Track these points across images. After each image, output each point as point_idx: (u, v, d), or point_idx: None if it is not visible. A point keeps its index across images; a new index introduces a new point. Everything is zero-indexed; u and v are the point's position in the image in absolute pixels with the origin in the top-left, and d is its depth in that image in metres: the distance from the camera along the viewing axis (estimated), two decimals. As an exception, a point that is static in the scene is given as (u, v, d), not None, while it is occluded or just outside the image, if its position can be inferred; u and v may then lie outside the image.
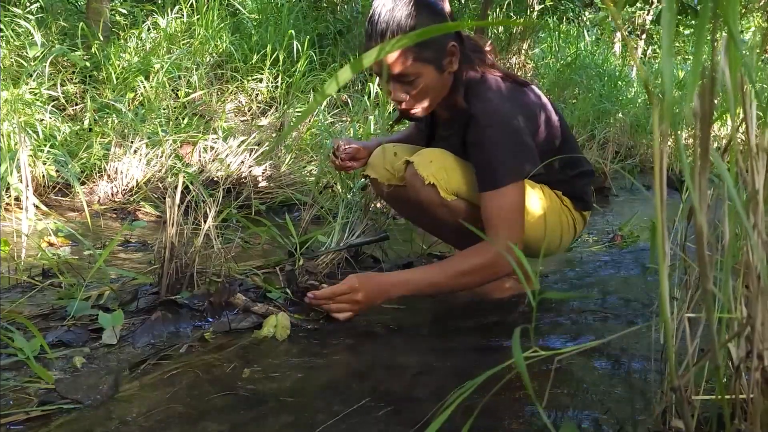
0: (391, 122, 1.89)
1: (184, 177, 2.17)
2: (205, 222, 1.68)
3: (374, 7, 1.49)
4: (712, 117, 0.50)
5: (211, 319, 1.52)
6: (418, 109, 1.59)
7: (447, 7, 1.55)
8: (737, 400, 0.67)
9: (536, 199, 1.66)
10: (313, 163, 3.43)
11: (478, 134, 1.52)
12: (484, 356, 1.34)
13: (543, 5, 6.83)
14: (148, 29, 4.19)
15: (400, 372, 1.26)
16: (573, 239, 1.82)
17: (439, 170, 1.59)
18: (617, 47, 8.79)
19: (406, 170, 1.65)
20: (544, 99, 1.70)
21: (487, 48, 1.68)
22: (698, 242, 0.48)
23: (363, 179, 2.02)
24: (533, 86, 1.71)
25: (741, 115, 0.60)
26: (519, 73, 6.04)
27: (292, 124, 3.32)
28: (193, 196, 1.88)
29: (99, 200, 2.87)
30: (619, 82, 6.03)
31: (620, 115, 5.20)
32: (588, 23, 9.00)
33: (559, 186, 1.73)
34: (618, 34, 8.91)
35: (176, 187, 1.63)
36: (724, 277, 0.58)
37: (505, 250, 1.45)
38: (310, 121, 3.80)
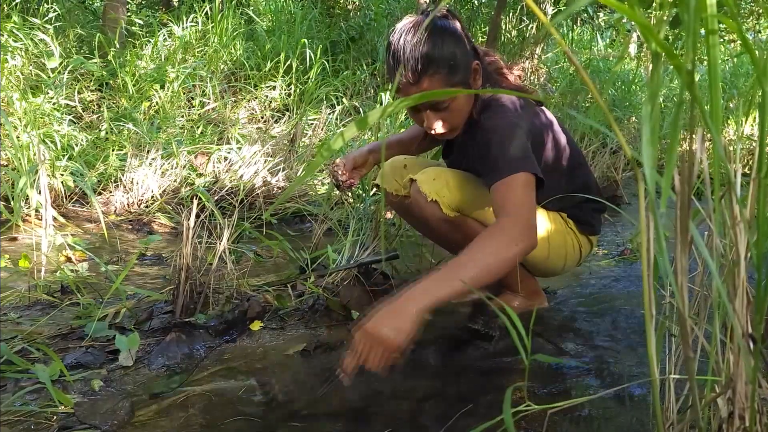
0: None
1: (198, 196, 2.22)
2: (219, 241, 1.73)
3: (395, 41, 1.48)
4: (690, 195, 0.52)
5: (225, 338, 1.56)
6: (452, 132, 1.62)
7: (458, 25, 1.57)
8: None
9: (541, 220, 1.68)
10: (325, 172, 3.46)
11: (485, 137, 1.54)
12: (490, 379, 1.37)
13: (557, 8, 6.82)
14: (164, 39, 4.24)
15: (408, 396, 1.29)
16: (579, 262, 1.84)
17: (442, 187, 1.63)
18: (632, 48, 8.73)
19: (411, 188, 1.70)
20: (554, 120, 1.72)
21: (503, 65, 1.71)
22: (681, 319, 0.51)
23: (374, 188, 2.06)
24: (544, 108, 1.73)
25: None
26: (532, 78, 6.04)
27: (295, 180, 3.35)
28: (207, 216, 1.92)
29: (115, 210, 2.93)
30: (633, 86, 6.00)
31: (634, 119, 5.19)
32: (602, 24, 8.95)
33: (565, 208, 1.75)
34: (634, 35, 8.86)
35: (191, 208, 1.68)
36: (713, 340, 0.61)
37: (513, 240, 1.33)
38: (322, 131, 3.84)
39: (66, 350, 1.44)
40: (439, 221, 1.67)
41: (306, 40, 4.42)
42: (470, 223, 1.66)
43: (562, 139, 1.71)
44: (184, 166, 3.16)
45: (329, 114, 4.06)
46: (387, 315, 1.19)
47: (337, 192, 1.93)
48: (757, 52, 0.58)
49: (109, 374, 1.35)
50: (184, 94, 3.91)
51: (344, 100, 4.36)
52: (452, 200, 1.63)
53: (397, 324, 1.17)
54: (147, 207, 2.97)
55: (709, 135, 0.57)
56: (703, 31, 0.54)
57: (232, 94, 4.33)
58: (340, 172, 1.82)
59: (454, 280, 1.24)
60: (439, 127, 1.57)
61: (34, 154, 2.57)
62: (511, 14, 6.04)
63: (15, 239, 2.40)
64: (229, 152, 3.28)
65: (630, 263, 2.51)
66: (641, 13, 0.53)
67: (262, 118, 4.24)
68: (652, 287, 0.58)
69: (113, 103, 3.73)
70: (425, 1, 5.65)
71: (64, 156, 2.89)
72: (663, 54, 0.51)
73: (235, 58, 4.46)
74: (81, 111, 3.52)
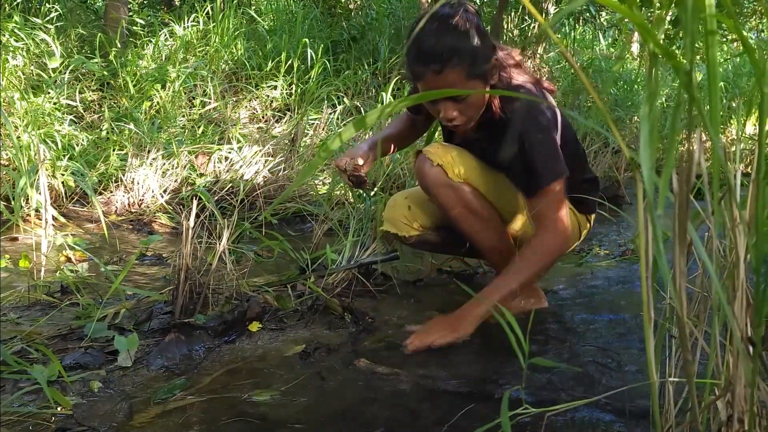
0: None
1: (199, 196, 2.22)
2: (219, 241, 1.72)
3: (419, 30, 1.46)
4: (689, 199, 0.52)
5: (225, 338, 1.56)
6: (467, 124, 1.63)
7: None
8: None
9: None
10: (325, 172, 3.46)
11: (517, 138, 1.55)
12: (489, 382, 1.36)
13: (558, 8, 6.80)
14: (166, 38, 4.24)
15: (407, 398, 1.28)
16: (578, 241, 1.92)
17: (446, 155, 1.67)
18: (635, 47, 8.71)
19: (416, 160, 1.72)
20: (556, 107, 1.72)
21: (517, 57, 1.71)
22: (680, 322, 0.50)
23: (381, 232, 2.01)
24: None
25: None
26: (533, 77, 6.02)
27: (295, 180, 3.35)
28: (207, 216, 1.92)
29: (116, 210, 2.93)
30: (636, 86, 5.99)
31: (636, 118, 5.18)
32: (604, 24, 8.93)
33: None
34: (635, 35, 8.84)
35: (191, 208, 1.67)
36: (712, 343, 0.60)
37: (556, 240, 1.58)
38: (323, 131, 3.83)
39: (65, 351, 1.44)
40: (441, 186, 1.67)
41: (307, 40, 4.42)
42: (472, 192, 1.68)
43: (564, 123, 1.72)
44: (185, 166, 3.16)
45: (330, 114, 4.06)
46: (456, 315, 1.56)
47: (359, 190, 1.93)
48: (756, 53, 0.58)
49: (108, 375, 1.34)
50: (185, 93, 3.91)
51: (345, 99, 4.35)
52: (454, 168, 1.66)
53: (462, 321, 1.54)
54: (147, 207, 2.97)
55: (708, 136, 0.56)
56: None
57: (233, 93, 4.33)
58: (361, 170, 1.78)
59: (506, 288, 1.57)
60: (456, 119, 1.58)
61: (35, 154, 2.57)
62: (513, 13, 6.03)
63: (15, 239, 2.40)
64: (230, 152, 3.28)
65: (631, 264, 2.50)
66: (640, 13, 0.52)
67: (263, 117, 4.24)
68: (652, 289, 0.57)
69: (114, 102, 3.73)
70: (427, 1, 5.65)
71: (64, 156, 2.89)
72: (661, 55, 0.51)
73: (236, 58, 4.46)
74: (82, 111, 3.52)
